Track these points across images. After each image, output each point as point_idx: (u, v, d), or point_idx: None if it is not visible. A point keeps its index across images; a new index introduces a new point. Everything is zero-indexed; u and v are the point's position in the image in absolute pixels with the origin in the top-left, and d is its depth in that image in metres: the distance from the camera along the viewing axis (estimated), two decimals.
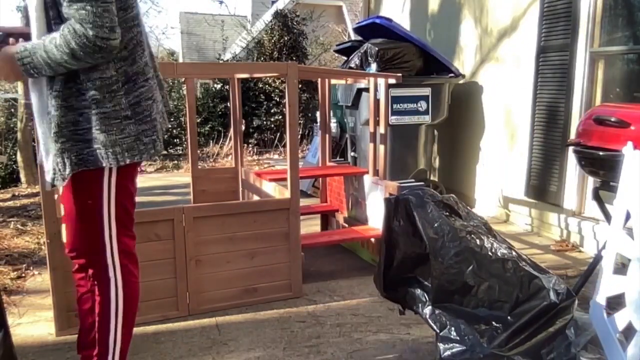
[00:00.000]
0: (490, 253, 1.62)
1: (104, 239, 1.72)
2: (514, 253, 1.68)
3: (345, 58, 5.04)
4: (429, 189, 1.84)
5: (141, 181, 6.52)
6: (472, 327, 1.60)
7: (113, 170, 1.67)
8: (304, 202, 3.48)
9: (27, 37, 1.64)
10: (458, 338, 1.61)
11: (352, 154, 4.87)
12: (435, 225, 1.65)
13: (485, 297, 1.62)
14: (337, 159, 4.71)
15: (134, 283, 1.82)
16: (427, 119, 4.38)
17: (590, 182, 3.54)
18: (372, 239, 3.24)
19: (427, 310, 1.71)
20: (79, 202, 1.70)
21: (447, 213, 1.72)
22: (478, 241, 1.64)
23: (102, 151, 1.60)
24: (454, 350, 1.60)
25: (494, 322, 1.60)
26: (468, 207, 1.86)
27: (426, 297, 1.72)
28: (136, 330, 2.43)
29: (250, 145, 9.38)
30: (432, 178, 4.96)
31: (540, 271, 1.68)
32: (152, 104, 1.71)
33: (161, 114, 1.80)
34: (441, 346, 1.66)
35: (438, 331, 1.65)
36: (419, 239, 1.69)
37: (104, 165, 1.62)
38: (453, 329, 1.62)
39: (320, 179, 3.98)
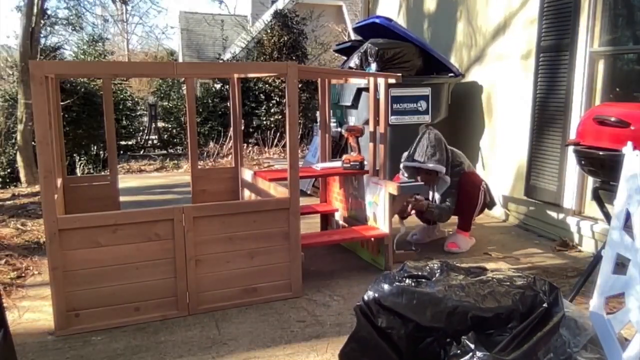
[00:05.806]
0: (474, 299, 1.62)
1: None
2: (493, 278, 1.68)
3: (345, 58, 5.04)
4: (385, 273, 1.82)
5: (141, 180, 6.58)
6: (480, 339, 1.60)
7: None
8: (304, 202, 3.47)
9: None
10: (462, 345, 1.61)
11: (352, 153, 4.85)
12: (414, 302, 1.65)
13: (494, 327, 1.62)
14: (337, 158, 4.70)
15: None
16: (427, 118, 4.38)
17: (590, 182, 3.53)
18: (372, 239, 3.25)
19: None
20: None
21: (415, 283, 1.72)
22: (457, 291, 1.65)
23: None
24: (455, 353, 1.61)
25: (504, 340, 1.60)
26: (423, 262, 1.86)
27: (441, 344, 1.71)
28: (136, 330, 2.44)
29: (250, 145, 9.38)
30: None
31: (523, 279, 1.68)
32: None
33: None
34: (443, 351, 1.66)
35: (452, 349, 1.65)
36: (407, 319, 1.68)
37: None
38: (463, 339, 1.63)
39: (320, 179, 3.98)
